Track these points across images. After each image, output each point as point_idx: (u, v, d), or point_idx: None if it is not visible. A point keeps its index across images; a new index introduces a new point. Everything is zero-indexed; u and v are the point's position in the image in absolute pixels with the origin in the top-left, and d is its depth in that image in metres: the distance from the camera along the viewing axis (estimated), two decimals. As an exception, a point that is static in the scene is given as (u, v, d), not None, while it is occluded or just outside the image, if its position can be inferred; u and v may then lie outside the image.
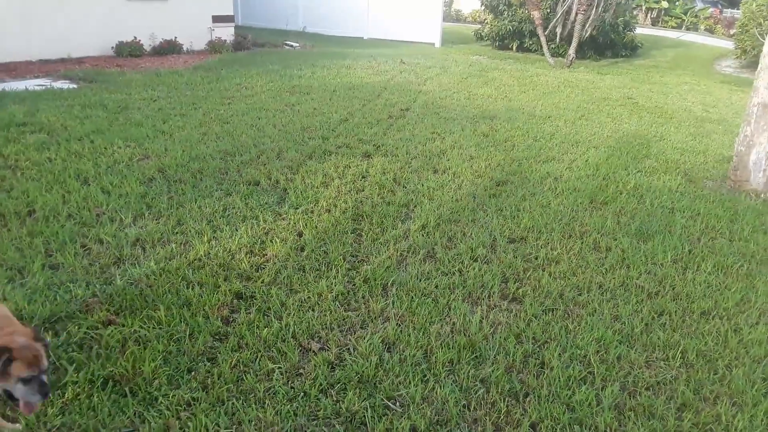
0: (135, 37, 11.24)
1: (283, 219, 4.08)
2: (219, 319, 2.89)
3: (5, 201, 3.97)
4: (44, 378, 1.98)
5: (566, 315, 3.15)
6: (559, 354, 2.79)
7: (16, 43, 9.55)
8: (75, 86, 8.04)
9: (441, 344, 2.80)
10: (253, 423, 2.25)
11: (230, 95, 7.98)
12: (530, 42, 17.08)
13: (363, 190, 4.70)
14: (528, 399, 2.50)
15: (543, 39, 14.99)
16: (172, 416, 2.26)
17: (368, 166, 5.30)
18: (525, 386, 2.57)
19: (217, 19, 13.26)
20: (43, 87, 7.77)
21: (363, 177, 5.02)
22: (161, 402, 2.33)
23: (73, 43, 10.37)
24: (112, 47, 11.01)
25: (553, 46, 15.82)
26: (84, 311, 2.85)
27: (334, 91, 8.81)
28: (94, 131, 5.75)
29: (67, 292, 2.99)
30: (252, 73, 9.76)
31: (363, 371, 2.57)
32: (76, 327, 2.72)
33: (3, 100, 6.68)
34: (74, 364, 2.48)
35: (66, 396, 2.31)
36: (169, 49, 11.78)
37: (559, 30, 15.79)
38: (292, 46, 15.19)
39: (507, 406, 2.44)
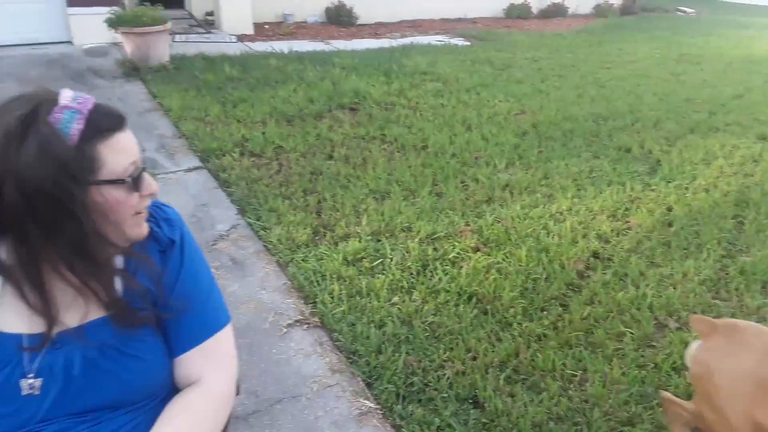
0: (524, 0, 11.72)
1: (652, 190, 3.91)
2: (574, 271, 2.99)
3: (407, 135, 4.72)
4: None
5: None
6: None
7: (424, 3, 10.91)
8: (468, 43, 8.87)
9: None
10: (598, 374, 2.32)
11: (610, 60, 7.79)
12: None
13: (752, 176, 4.16)
14: None
15: None
16: (523, 343, 2.47)
17: (763, 149, 4.63)
18: None
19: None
20: (442, 43, 8.78)
21: (755, 161, 4.43)
22: (515, 328, 2.56)
23: (469, 4, 11.36)
24: (503, 9, 11.71)
25: None
26: (458, 235, 3.27)
27: (730, 63, 7.83)
28: (480, 85, 6.33)
29: (447, 217, 3.46)
30: (636, 39, 9.30)
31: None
32: (451, 247, 3.14)
33: (411, 51, 7.81)
34: (447, 276, 2.89)
35: (438, 300, 2.73)
36: (555, 11, 11.97)
37: None
38: (685, 11, 13.84)
39: None
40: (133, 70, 6.26)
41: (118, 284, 0.99)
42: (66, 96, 0.90)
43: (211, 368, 1.09)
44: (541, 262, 3.04)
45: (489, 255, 3.10)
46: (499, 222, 3.43)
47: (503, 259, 3.06)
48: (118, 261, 1.01)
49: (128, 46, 6.37)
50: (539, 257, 3.08)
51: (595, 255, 3.16)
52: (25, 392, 0.93)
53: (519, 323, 2.59)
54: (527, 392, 2.23)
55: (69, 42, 7.39)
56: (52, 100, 0.88)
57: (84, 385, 0.96)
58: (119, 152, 0.93)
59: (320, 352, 2.44)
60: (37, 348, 0.93)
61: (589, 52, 8.24)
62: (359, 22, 10.09)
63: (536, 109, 5.53)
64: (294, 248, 3.09)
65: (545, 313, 2.68)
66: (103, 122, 0.92)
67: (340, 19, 9.86)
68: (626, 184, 3.97)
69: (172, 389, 1.09)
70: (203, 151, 4.25)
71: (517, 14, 11.51)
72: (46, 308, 0.92)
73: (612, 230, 3.40)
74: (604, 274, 2.97)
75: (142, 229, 1.03)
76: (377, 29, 9.88)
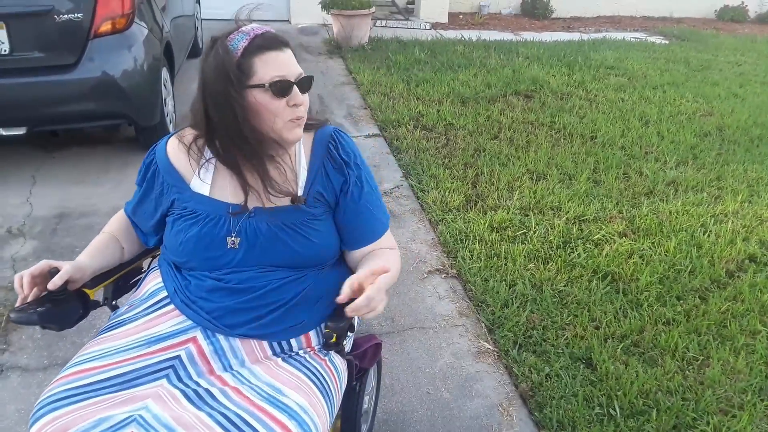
0: (742, 2, 10.69)
1: (843, 206, 3.57)
2: (723, 269, 2.92)
3: (577, 124, 4.77)
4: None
5: None
6: None
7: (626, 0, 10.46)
8: (666, 42, 8.41)
9: None
10: (720, 362, 2.32)
11: (835, 69, 6.92)
12: None
13: None
14: None
15: None
16: (650, 323, 2.54)
17: None
18: None
19: None
20: (638, 39, 8.42)
21: None
22: (645, 309, 2.63)
23: (676, 4, 10.65)
24: (715, 10, 10.80)
25: None
26: (607, 220, 3.34)
27: None
28: (669, 83, 6.06)
29: (599, 203, 3.53)
30: None
31: None
32: (597, 229, 3.23)
33: (601, 46, 7.65)
34: (587, 254, 3.00)
35: (572, 273, 2.87)
36: (777, 15, 10.76)
37: None
38: None
39: None
40: (336, 48, 7.01)
41: (301, 185, 1.33)
42: (247, 26, 1.24)
43: (385, 248, 1.44)
44: (690, 256, 3.01)
45: (635, 242, 3.14)
46: (654, 214, 3.42)
47: (649, 248, 3.09)
48: (302, 168, 1.35)
49: (335, 27, 7.12)
50: (689, 251, 3.05)
51: (752, 258, 3.04)
52: (228, 246, 1.30)
53: (650, 305, 2.65)
54: (642, 364, 2.32)
55: (287, 21, 8.42)
56: (236, 29, 1.24)
57: (265, 248, 1.31)
58: (269, 65, 1.19)
59: (452, 297, 2.74)
60: (238, 212, 1.30)
61: (810, 59, 7.39)
62: (554, 15, 10.01)
63: (726, 113, 5.19)
64: (446, 210, 3.40)
65: (681, 301, 2.70)
66: (262, 42, 1.20)
67: (534, 12, 9.88)
68: (811, 196, 3.67)
69: (335, 262, 1.42)
70: (383, 121, 4.73)
71: (730, 17, 10.54)
72: (244, 188, 1.29)
73: (780, 238, 3.22)
74: (756, 276, 2.87)
75: (294, 134, 1.26)
76: (571, 23, 9.73)
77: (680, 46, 8.08)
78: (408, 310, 2.63)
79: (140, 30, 3.54)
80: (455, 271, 2.91)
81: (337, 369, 1.33)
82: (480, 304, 2.67)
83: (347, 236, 1.41)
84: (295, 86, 1.23)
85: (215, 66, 1.19)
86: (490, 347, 2.43)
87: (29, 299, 1.22)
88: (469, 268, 2.88)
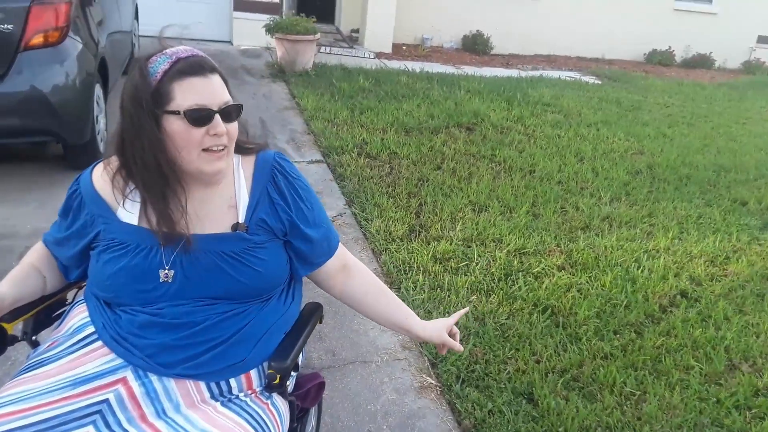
0: (669, 47, 11.38)
1: (760, 244, 3.78)
2: (657, 304, 3.01)
3: (517, 158, 4.88)
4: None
5: None
6: None
7: (561, 39, 10.92)
8: (599, 82, 8.82)
9: None
10: (656, 397, 2.37)
11: (748, 116, 7.44)
12: None
13: None
14: None
15: None
16: (589, 357, 2.57)
17: None
18: None
19: (763, 39, 12.15)
20: (572, 78, 8.80)
21: None
22: (583, 343, 2.66)
23: (607, 46, 11.21)
24: (644, 54, 11.45)
25: None
26: (546, 253, 3.40)
27: None
28: (602, 122, 6.33)
29: (539, 236, 3.59)
30: (785, 98, 8.75)
31: (795, 413, 2.33)
32: (537, 262, 3.28)
33: (538, 83, 7.93)
34: (527, 286, 3.03)
35: (513, 306, 2.88)
36: (699, 62, 11.50)
37: None
38: None
39: None
40: (279, 72, 6.94)
41: (242, 212, 1.26)
42: (173, 48, 1.18)
43: (349, 257, 1.46)
44: (625, 290, 3.09)
45: (573, 275, 3.20)
46: (590, 248, 3.51)
47: (586, 282, 3.15)
48: (242, 194, 1.28)
49: (279, 51, 7.07)
50: (624, 285, 3.13)
51: (683, 294, 3.15)
52: (161, 280, 1.21)
53: (588, 340, 2.69)
54: (582, 399, 2.33)
55: (229, 42, 8.31)
56: (160, 50, 1.17)
57: (204, 279, 1.22)
58: (188, 92, 1.12)
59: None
60: (168, 243, 1.19)
61: (727, 105, 7.90)
62: (493, 51, 10.34)
63: (656, 152, 5.46)
64: (389, 240, 3.37)
65: (617, 335, 2.75)
66: (183, 67, 1.13)
67: (475, 47, 10.17)
68: (733, 234, 3.87)
69: (280, 293, 1.34)
70: (326, 147, 4.68)
71: (658, 60, 11.20)
72: (168, 220, 1.19)
73: (706, 274, 3.35)
74: (688, 312, 2.97)
75: (214, 167, 1.18)
76: (509, 60, 10.07)
77: (612, 86, 8.49)
78: (349, 343, 2.56)
79: (74, 44, 3.38)
80: (398, 303, 2.87)
81: (279, 413, 1.25)
82: (423, 338, 2.63)
83: (309, 259, 1.36)
84: (217, 115, 1.16)
85: (131, 90, 1.14)
86: (433, 382, 2.39)
87: None
88: (413, 300, 2.85)
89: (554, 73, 9.07)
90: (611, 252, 3.49)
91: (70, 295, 1.44)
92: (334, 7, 10.39)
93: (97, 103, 3.75)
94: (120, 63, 4.95)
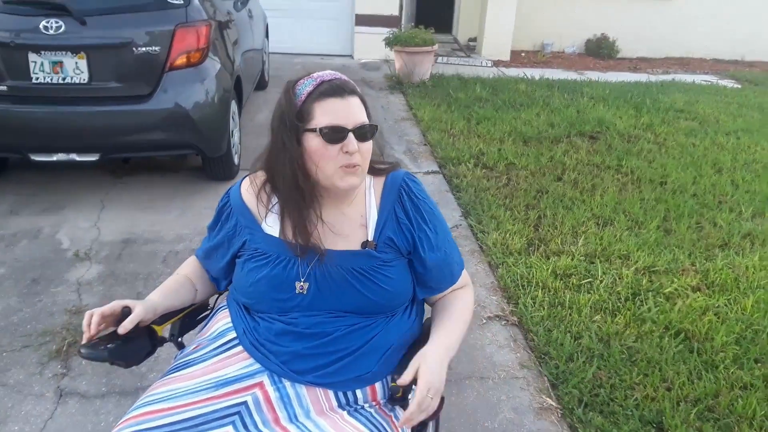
0: (823, 44, 10.25)
1: None
2: (809, 333, 2.72)
3: (646, 168, 4.61)
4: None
5: None
6: None
7: (695, 41, 10.17)
8: (738, 86, 8.12)
9: None
10: (807, 436, 2.13)
11: None
12: None
13: None
14: None
15: None
16: (726, 387, 2.36)
17: None
18: None
19: None
20: (708, 83, 8.17)
21: None
22: (720, 371, 2.45)
23: (748, 47, 10.28)
24: (792, 53, 10.39)
25: None
26: (679, 272, 3.17)
27: None
28: (743, 129, 5.82)
29: (671, 253, 3.35)
30: None
31: None
32: (669, 282, 3.07)
33: (670, 88, 7.44)
34: (657, 308, 2.85)
35: (642, 328, 2.71)
36: None
37: None
38: None
39: None
40: (397, 83, 7.07)
41: (371, 230, 1.31)
42: (319, 72, 1.26)
43: (457, 289, 1.43)
44: (772, 316, 2.82)
45: (709, 297, 2.96)
46: (730, 268, 3.23)
47: (725, 305, 2.91)
48: (372, 213, 1.32)
49: (397, 63, 7.20)
50: (767, 310, 2.86)
51: (839, 321, 2.81)
52: (297, 291, 1.28)
53: (726, 368, 2.47)
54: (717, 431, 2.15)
55: (350, 56, 8.59)
56: (309, 74, 1.26)
57: (335, 293, 1.27)
58: (327, 112, 1.20)
59: (513, 347, 2.63)
60: (306, 255, 1.26)
61: None
62: (620, 55, 9.84)
63: (810, 163, 4.92)
64: (507, 253, 3.31)
65: (759, 364, 2.51)
66: (326, 90, 1.21)
67: (599, 51, 9.74)
68: None
69: (406, 308, 1.38)
70: (443, 158, 4.69)
71: (808, 60, 10.13)
72: (307, 230, 1.26)
73: None
74: None
75: (346, 182, 1.24)
76: (637, 63, 9.53)
77: (753, 90, 7.78)
78: (466, 358, 2.54)
79: (213, 64, 3.65)
80: (516, 319, 2.81)
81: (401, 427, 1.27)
82: (542, 356, 2.55)
83: (428, 283, 1.38)
84: (351, 134, 1.21)
85: (279, 110, 1.25)
86: (554, 404, 2.31)
87: (95, 337, 1.22)
88: (531, 317, 2.77)
89: (688, 77, 8.47)
90: (753, 273, 3.19)
91: (211, 301, 1.56)
92: (452, 17, 10.40)
93: (233, 118, 4.02)
94: (252, 80, 5.28)
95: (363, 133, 1.24)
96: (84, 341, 1.21)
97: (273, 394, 1.22)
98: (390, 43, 7.07)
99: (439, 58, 8.43)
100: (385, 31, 7.30)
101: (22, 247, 3.19)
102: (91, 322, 1.21)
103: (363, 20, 8.28)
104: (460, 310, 1.39)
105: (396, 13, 8.38)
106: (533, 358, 2.56)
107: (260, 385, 1.23)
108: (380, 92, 6.78)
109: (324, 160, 1.22)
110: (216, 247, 1.42)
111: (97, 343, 1.21)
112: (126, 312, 1.23)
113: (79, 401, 2.18)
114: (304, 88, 1.23)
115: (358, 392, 1.27)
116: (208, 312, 1.51)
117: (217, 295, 1.56)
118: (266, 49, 6.50)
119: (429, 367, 1.19)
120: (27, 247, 3.20)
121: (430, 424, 1.69)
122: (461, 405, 2.27)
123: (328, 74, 1.25)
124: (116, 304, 1.24)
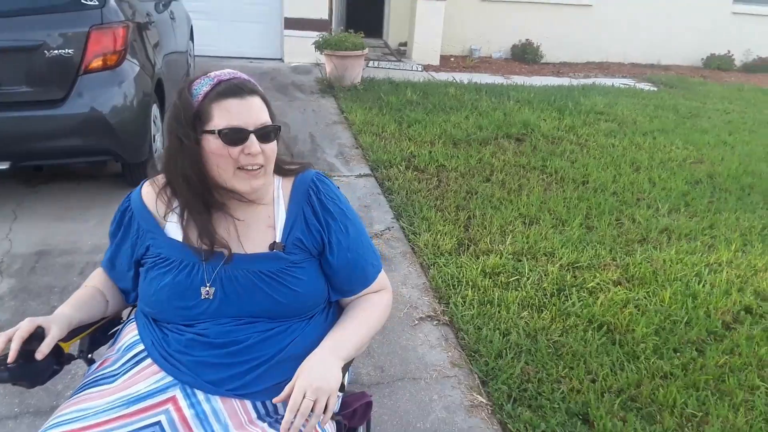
0: (728, 51, 10.94)
1: (836, 257, 3.55)
2: (720, 321, 2.86)
3: (569, 169, 4.77)
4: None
5: None
6: None
7: (615, 46, 10.65)
8: (655, 89, 8.55)
9: None
10: (719, 419, 2.24)
11: (819, 119, 7.03)
12: None
13: None
14: None
15: None
16: (647, 377, 2.46)
17: None
18: None
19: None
20: (626, 86, 8.57)
21: None
22: (641, 361, 2.55)
23: (663, 51, 10.87)
24: (702, 59, 11.04)
25: None
26: (601, 267, 3.29)
27: None
28: (659, 130, 6.12)
29: (593, 249, 3.48)
30: None
31: None
32: (591, 277, 3.18)
33: (591, 91, 7.75)
34: (581, 302, 2.94)
35: (567, 322, 2.79)
36: (761, 67, 10.98)
37: None
38: None
39: None
40: (328, 87, 7.03)
41: (279, 231, 1.28)
42: (216, 71, 1.22)
43: (370, 294, 1.40)
44: (686, 306, 2.96)
45: (630, 291, 3.08)
46: (648, 262, 3.38)
47: (644, 297, 3.03)
48: (280, 214, 1.29)
49: (328, 67, 7.16)
50: (684, 301, 3.00)
51: (747, 310, 2.99)
52: (202, 296, 1.23)
53: (647, 358, 2.58)
54: (641, 421, 2.23)
55: (280, 59, 8.48)
56: (207, 73, 1.22)
57: (242, 297, 1.23)
58: (225, 113, 1.16)
59: (444, 346, 2.65)
60: (209, 258, 1.22)
61: (795, 108, 7.52)
62: (544, 60, 10.18)
63: (716, 161, 5.23)
64: (438, 254, 3.34)
65: (678, 354, 2.63)
66: (223, 90, 1.17)
67: (524, 57, 10.04)
68: (804, 246, 3.66)
69: (321, 311, 1.34)
70: (374, 161, 4.70)
71: (716, 65, 10.77)
72: (211, 233, 1.23)
73: (775, 289, 3.18)
74: (753, 328, 2.81)
75: (248, 185, 1.21)
76: (560, 68, 9.89)
77: (669, 93, 8.22)
78: (398, 359, 2.54)
79: (131, 67, 3.51)
80: (447, 318, 2.83)
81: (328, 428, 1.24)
82: (473, 354, 2.58)
83: (338, 285, 1.35)
84: (252, 135, 1.18)
85: (175, 111, 1.20)
86: (484, 401, 2.33)
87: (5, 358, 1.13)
88: (462, 315, 2.80)
89: (607, 81, 8.85)
90: (670, 266, 3.35)
91: (124, 314, 1.48)
92: (383, 21, 10.46)
93: (154, 122, 3.88)
94: (176, 83, 5.12)
95: (265, 133, 1.20)
96: None
97: (187, 411, 1.15)
98: (320, 46, 7.02)
99: (370, 63, 8.46)
100: (314, 35, 7.26)
101: None
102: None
103: (292, 24, 8.20)
104: (364, 311, 1.35)
105: (325, 16, 8.35)
106: (464, 356, 2.58)
107: (173, 399, 1.17)
108: (311, 96, 6.73)
109: (224, 162, 1.18)
110: (120, 254, 1.35)
111: None
112: (39, 332, 1.15)
113: (-15, 426, 2.03)
114: (201, 87, 1.18)
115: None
116: (118, 327, 1.43)
117: (130, 308, 1.48)
118: (191, 51, 6.32)
119: (305, 371, 1.15)
120: (-73, 262, 2.97)
121: (361, 430, 1.67)
122: (393, 407, 2.26)
123: (226, 73, 1.21)
124: (29, 324, 1.15)
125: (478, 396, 2.35)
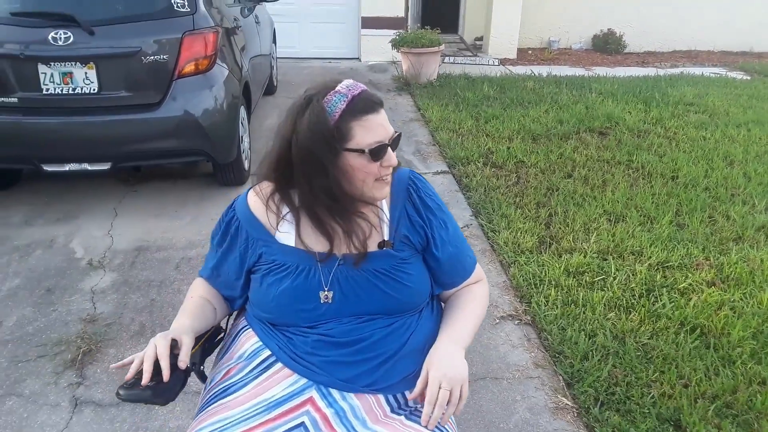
0: (833, 32, 10.12)
1: None
2: (828, 326, 2.68)
3: (656, 163, 4.58)
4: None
5: None
6: None
7: (703, 33, 10.08)
8: (748, 78, 8.05)
9: None
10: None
11: None
12: None
13: None
14: None
15: None
16: (744, 382, 2.34)
17: None
18: None
19: None
20: (717, 75, 8.10)
21: None
22: (738, 366, 2.42)
23: (757, 38, 10.18)
24: (801, 43, 10.28)
25: None
26: (693, 267, 3.14)
27: None
28: (753, 121, 5.76)
29: (684, 248, 3.33)
30: None
31: None
32: (683, 277, 3.04)
33: (679, 81, 7.39)
34: (672, 304, 2.82)
35: (657, 324, 2.69)
36: None
37: None
38: None
39: None
40: (405, 85, 7.07)
41: (386, 230, 1.31)
42: (343, 84, 1.22)
43: (471, 284, 1.45)
44: (788, 310, 2.78)
45: (725, 292, 2.93)
46: (744, 262, 3.20)
47: (740, 299, 2.88)
48: (384, 213, 1.33)
49: (404, 64, 7.20)
50: (785, 304, 2.82)
51: None
52: (322, 300, 1.26)
53: (744, 363, 2.45)
54: (736, 428, 2.13)
55: (357, 59, 8.60)
56: (332, 87, 1.21)
57: (360, 296, 1.27)
58: (368, 130, 1.18)
59: (526, 346, 2.62)
60: (326, 260, 1.26)
61: None
62: (627, 50, 9.78)
63: (820, 153, 4.87)
64: (518, 252, 3.30)
65: (780, 359, 2.48)
66: (360, 106, 1.18)
67: (606, 47, 9.69)
68: None
69: (426, 305, 1.39)
70: (452, 158, 4.69)
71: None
72: (326, 236, 1.26)
73: None
74: None
75: (382, 193, 1.26)
76: (645, 58, 9.47)
77: (763, 81, 7.70)
78: (479, 358, 2.53)
79: (221, 71, 3.67)
80: (529, 318, 2.80)
81: (453, 420, 1.29)
82: (557, 355, 2.54)
83: (441, 279, 1.40)
84: (389, 147, 1.22)
85: (310, 127, 1.16)
86: (569, 403, 2.29)
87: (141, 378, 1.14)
88: (545, 315, 2.76)
89: (696, 70, 8.40)
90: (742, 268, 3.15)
91: (223, 323, 1.51)
92: (458, 17, 10.38)
93: (242, 124, 4.04)
94: (261, 85, 5.30)
95: (395, 143, 1.25)
96: (128, 377, 1.15)
97: (327, 411, 1.20)
98: (396, 44, 7.07)
99: (446, 58, 8.42)
100: (391, 33, 7.31)
101: (37, 257, 3.22)
102: (145, 368, 1.14)
103: (369, 23, 8.29)
104: (471, 302, 1.40)
105: (402, 14, 8.39)
106: (547, 357, 2.54)
107: (311, 401, 1.21)
108: (388, 94, 6.78)
109: (367, 176, 1.21)
110: (226, 263, 1.38)
111: (134, 383, 1.13)
112: (173, 344, 1.19)
113: (94, 410, 2.20)
114: (337, 104, 1.17)
115: (408, 394, 1.27)
116: (223, 334, 1.48)
117: (227, 317, 1.51)
118: (274, 54, 6.52)
119: (434, 363, 1.21)
120: (41, 257, 3.23)
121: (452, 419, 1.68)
122: (476, 406, 2.26)
123: (353, 87, 1.21)
124: (166, 341, 1.19)
125: (563, 398, 2.31)
